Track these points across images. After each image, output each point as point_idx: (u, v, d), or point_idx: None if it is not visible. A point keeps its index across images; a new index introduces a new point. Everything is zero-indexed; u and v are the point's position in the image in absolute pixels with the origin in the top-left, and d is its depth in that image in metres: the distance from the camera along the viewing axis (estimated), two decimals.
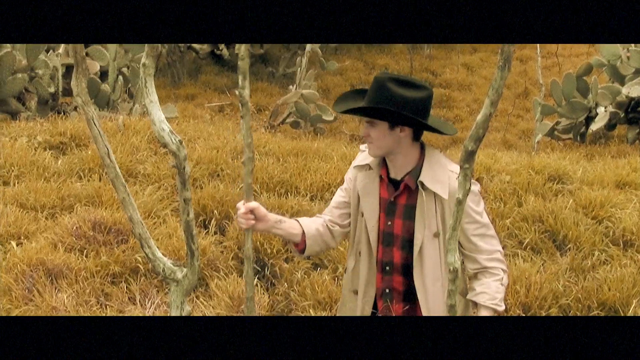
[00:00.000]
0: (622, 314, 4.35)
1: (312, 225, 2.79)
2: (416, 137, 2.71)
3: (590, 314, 4.43)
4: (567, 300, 4.52)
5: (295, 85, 11.25)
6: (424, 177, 2.63)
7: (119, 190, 1.72)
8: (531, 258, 5.08)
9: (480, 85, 16.80)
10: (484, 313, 2.66)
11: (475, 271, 2.73)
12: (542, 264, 4.99)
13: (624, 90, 9.66)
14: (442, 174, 2.65)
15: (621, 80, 10.06)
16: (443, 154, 2.82)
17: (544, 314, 4.38)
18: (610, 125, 10.25)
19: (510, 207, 5.78)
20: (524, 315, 4.39)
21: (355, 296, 2.83)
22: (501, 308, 2.66)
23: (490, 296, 2.66)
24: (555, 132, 11.03)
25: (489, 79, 17.62)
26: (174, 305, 1.87)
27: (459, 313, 2.72)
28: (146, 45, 1.56)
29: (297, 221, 2.79)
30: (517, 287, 4.51)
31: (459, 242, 2.67)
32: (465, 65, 18.39)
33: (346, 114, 2.81)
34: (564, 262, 5.00)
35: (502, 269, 2.72)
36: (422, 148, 2.74)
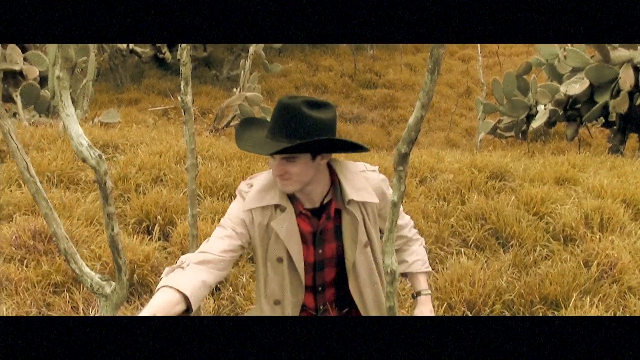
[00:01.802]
0: (563, 308, 4.43)
1: (196, 285, 2.20)
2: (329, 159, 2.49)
3: (533, 309, 4.51)
4: (511, 296, 4.59)
5: (239, 88, 11.20)
6: (350, 194, 2.44)
7: (41, 205, 1.68)
8: (475, 255, 5.15)
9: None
10: (422, 279, 2.75)
11: (401, 245, 2.74)
12: (486, 261, 5.07)
13: (562, 89, 9.87)
14: (358, 180, 2.49)
15: (559, 78, 10.28)
16: (341, 159, 2.58)
17: (487, 310, 4.44)
18: (550, 123, 10.46)
19: (454, 205, 5.85)
20: (468, 312, 4.44)
21: None
22: (430, 269, 2.79)
23: (423, 261, 2.75)
24: (498, 130, 11.21)
25: None
26: None
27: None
28: (59, 58, 1.52)
29: (177, 290, 2.14)
30: (462, 285, 4.57)
31: (381, 229, 2.62)
32: (409, 65, 18.57)
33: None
34: (507, 259, 5.08)
35: (419, 234, 2.81)
36: (329, 166, 2.51)
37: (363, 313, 2.61)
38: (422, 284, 2.75)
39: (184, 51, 2.28)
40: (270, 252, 2.46)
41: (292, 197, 2.45)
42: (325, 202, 2.46)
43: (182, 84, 2.46)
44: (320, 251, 2.50)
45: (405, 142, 1.49)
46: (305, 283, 2.52)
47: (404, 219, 2.74)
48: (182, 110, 2.33)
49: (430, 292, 2.78)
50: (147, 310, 2.03)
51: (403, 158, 1.51)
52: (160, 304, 2.09)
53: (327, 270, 2.55)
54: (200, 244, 2.54)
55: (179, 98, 2.47)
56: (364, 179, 2.52)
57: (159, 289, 2.16)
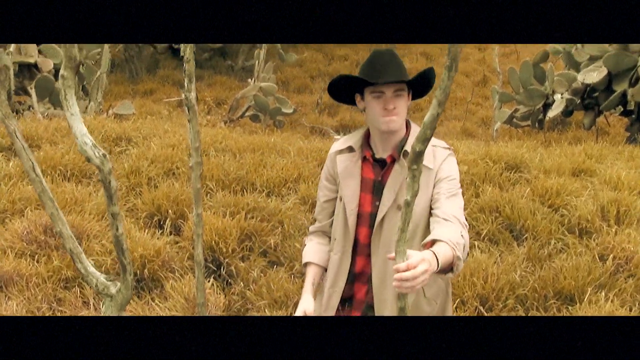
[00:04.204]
0: (578, 302, 4.37)
1: (324, 255, 2.77)
2: None
3: (547, 304, 4.45)
4: (524, 290, 4.54)
5: (254, 78, 11.18)
6: (408, 146, 2.50)
7: (47, 205, 1.66)
8: (489, 249, 5.09)
9: (439, 74, 16.71)
10: (440, 248, 2.21)
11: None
12: (500, 255, 5.01)
13: (579, 77, 9.76)
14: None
15: (576, 67, 10.17)
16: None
17: (500, 305, 4.39)
18: (567, 112, 10.35)
19: (468, 198, 5.79)
20: (481, 307, 4.40)
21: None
22: (458, 253, 2.25)
23: (451, 240, 2.25)
24: (514, 120, 11.11)
25: None
26: None
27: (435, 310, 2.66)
28: (63, 57, 1.50)
29: (317, 265, 2.76)
30: (474, 279, 4.52)
31: (434, 211, 2.44)
32: (424, 54, 18.45)
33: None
34: (521, 252, 5.02)
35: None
36: (407, 122, 2.65)
37: (376, 283, 2.59)
38: (436, 247, 2.23)
39: (187, 48, 2.24)
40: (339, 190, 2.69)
41: (366, 145, 2.63)
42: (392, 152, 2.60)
43: (186, 80, 2.41)
44: (377, 203, 2.57)
45: (420, 140, 1.45)
46: (360, 238, 2.62)
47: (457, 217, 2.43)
48: (186, 108, 2.29)
49: (439, 256, 2.16)
50: (308, 286, 2.69)
51: (418, 156, 1.47)
52: (315, 276, 2.75)
53: None
54: (204, 244, 2.60)
55: (182, 95, 2.43)
56: (431, 149, 2.55)
57: (304, 263, 2.79)
